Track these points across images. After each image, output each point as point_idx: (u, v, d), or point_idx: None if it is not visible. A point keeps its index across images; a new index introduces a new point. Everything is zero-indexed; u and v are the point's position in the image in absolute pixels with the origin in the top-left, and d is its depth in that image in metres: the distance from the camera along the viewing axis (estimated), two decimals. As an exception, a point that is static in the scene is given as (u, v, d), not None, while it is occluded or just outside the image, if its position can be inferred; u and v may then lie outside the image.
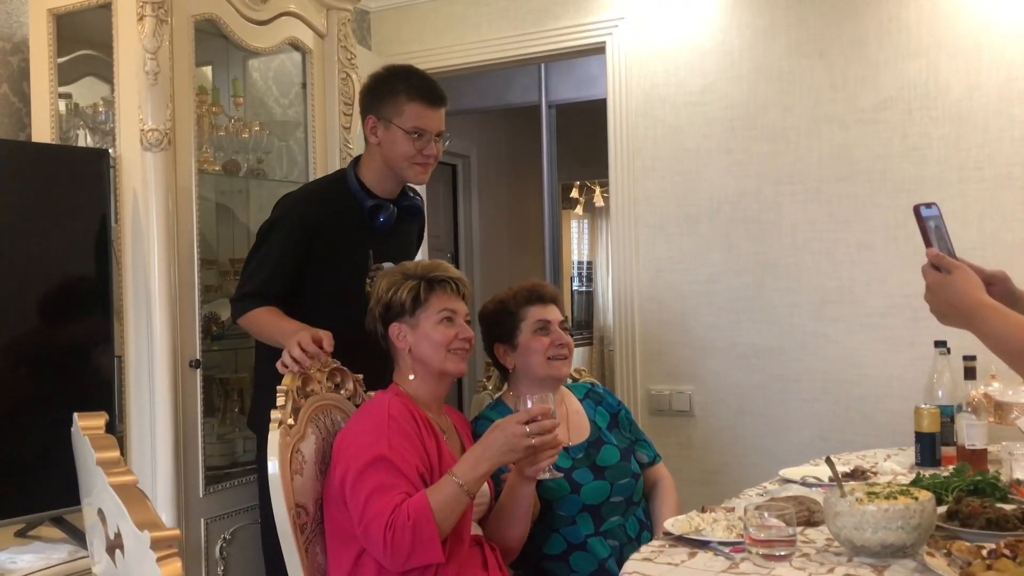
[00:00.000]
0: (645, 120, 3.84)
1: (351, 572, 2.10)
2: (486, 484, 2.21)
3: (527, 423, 2.05)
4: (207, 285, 2.88)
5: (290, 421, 2.19)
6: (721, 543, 1.90)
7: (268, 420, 2.17)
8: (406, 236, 2.74)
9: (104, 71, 2.77)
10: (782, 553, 1.77)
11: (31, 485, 2.34)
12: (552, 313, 2.52)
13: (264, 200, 3.34)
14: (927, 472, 2.40)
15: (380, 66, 2.64)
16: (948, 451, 2.60)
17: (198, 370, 2.62)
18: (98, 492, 1.25)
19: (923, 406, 2.62)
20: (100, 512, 1.27)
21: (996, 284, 1.77)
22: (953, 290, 1.68)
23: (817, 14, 3.54)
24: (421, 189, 2.84)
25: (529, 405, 2.07)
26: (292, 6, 3.04)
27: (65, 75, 2.83)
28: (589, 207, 8.49)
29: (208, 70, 3.25)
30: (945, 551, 1.70)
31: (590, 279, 8.62)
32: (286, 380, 2.23)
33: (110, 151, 2.61)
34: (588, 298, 8.59)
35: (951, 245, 1.77)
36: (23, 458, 2.34)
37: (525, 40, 4.05)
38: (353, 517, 2.04)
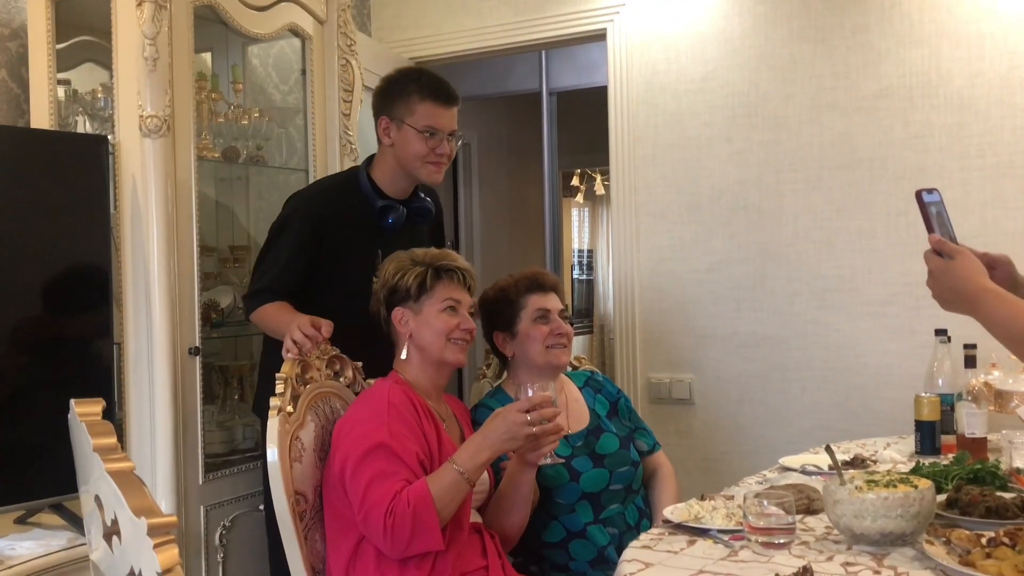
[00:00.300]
0: (646, 108, 3.83)
1: (350, 559, 2.10)
2: (485, 472, 2.21)
3: (528, 411, 2.05)
4: (206, 272, 2.88)
5: (289, 409, 2.19)
6: (720, 531, 1.90)
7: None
8: (417, 237, 2.73)
9: (103, 57, 2.76)
10: (781, 541, 1.77)
11: (31, 472, 2.34)
12: (552, 302, 2.51)
13: (264, 187, 3.34)
14: (927, 460, 2.40)
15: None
16: (948, 439, 2.60)
17: (197, 357, 2.62)
18: (95, 479, 1.25)
19: (923, 394, 2.62)
20: (97, 499, 1.26)
21: (998, 268, 1.77)
22: (955, 276, 1.68)
23: (819, 1, 3.53)
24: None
25: (530, 393, 2.07)
26: (291, -8, 3.03)
27: (64, 61, 2.82)
28: (590, 195, 8.48)
29: (207, 56, 3.24)
30: (944, 539, 1.70)
31: (590, 267, 8.62)
32: (285, 367, 2.24)
33: (109, 137, 2.60)
34: (588, 286, 8.58)
35: (952, 231, 1.76)
36: (23, 445, 2.34)
37: (526, 26, 4.04)
38: (353, 504, 2.04)
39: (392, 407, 2.12)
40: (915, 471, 2.20)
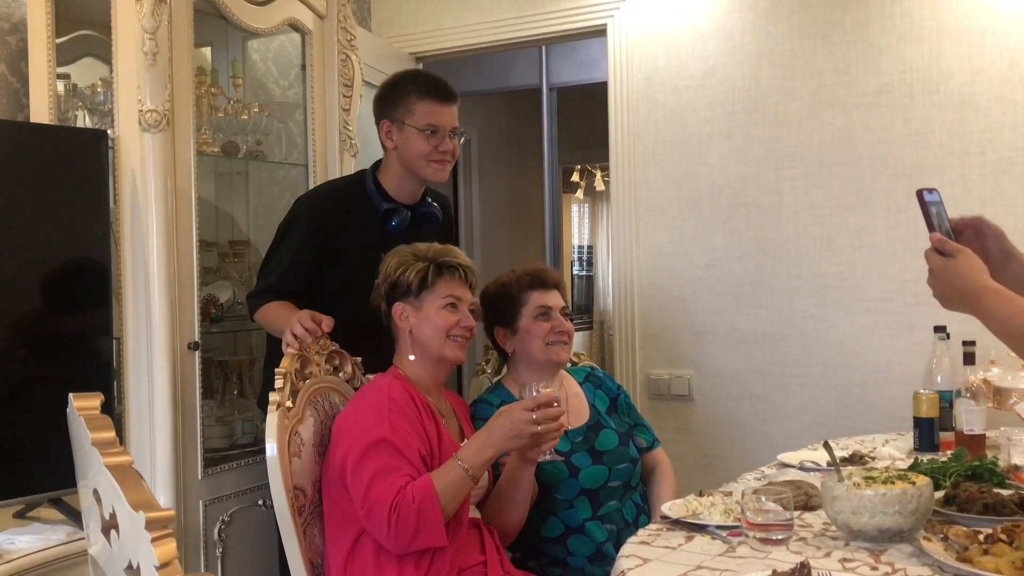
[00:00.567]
0: (646, 104, 3.83)
1: (349, 554, 2.10)
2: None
3: (533, 410, 2.05)
4: (206, 267, 2.88)
5: (288, 404, 2.19)
6: (718, 527, 1.90)
7: None
8: (424, 241, 2.74)
9: (103, 52, 2.75)
10: (779, 537, 1.77)
11: (30, 467, 2.34)
12: (554, 299, 2.51)
13: (263, 182, 3.34)
14: (925, 457, 2.40)
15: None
16: (947, 436, 2.60)
17: (197, 352, 2.62)
18: (94, 473, 1.25)
19: (922, 391, 2.62)
20: (96, 492, 1.27)
21: (990, 238, 1.77)
22: (956, 274, 1.68)
23: (820, -3, 3.53)
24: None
25: (535, 392, 2.07)
26: (291, -14, 3.03)
27: (64, 56, 2.82)
28: (590, 191, 8.47)
29: (207, 51, 3.24)
30: (942, 536, 1.70)
31: (590, 263, 8.62)
32: (284, 362, 2.24)
33: (109, 132, 2.60)
34: (588, 282, 8.59)
35: (951, 231, 1.76)
36: (22, 440, 2.34)
37: (526, 22, 4.04)
38: (355, 499, 2.05)
39: (393, 402, 2.12)
40: (913, 468, 2.20)
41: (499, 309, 2.52)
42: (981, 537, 1.65)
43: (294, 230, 2.58)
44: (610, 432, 2.49)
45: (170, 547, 1.03)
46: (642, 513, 2.49)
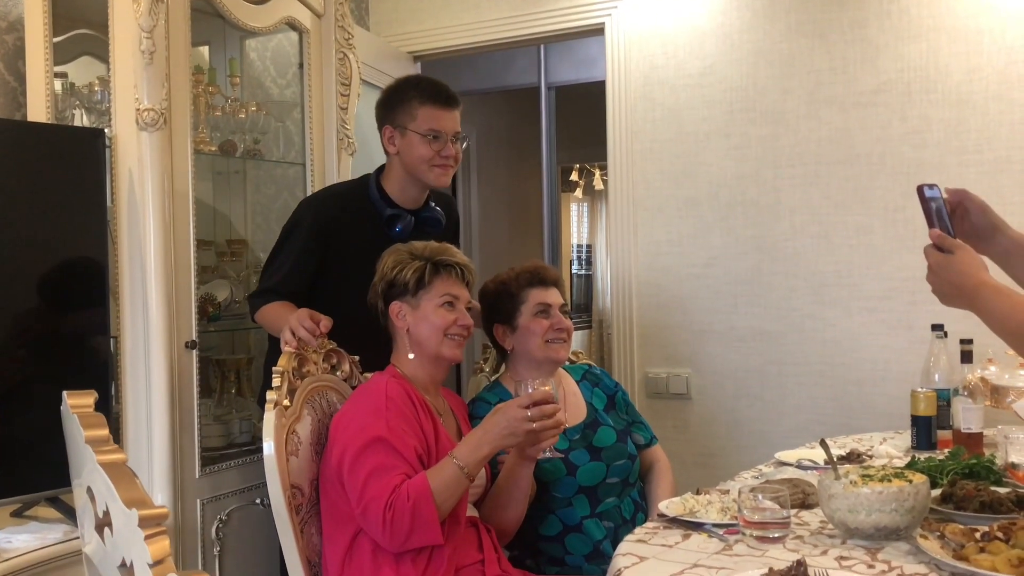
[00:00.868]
0: (644, 103, 3.83)
1: (347, 553, 2.10)
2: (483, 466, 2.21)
3: (528, 407, 2.05)
4: (203, 266, 2.88)
5: (286, 402, 2.20)
6: (715, 525, 1.90)
7: None
8: None
9: (100, 50, 2.75)
10: (776, 535, 1.77)
11: (27, 465, 2.33)
12: (553, 296, 2.51)
13: (261, 181, 3.34)
14: (923, 455, 2.40)
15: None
16: (944, 435, 2.60)
17: (194, 351, 2.62)
18: (88, 471, 1.25)
19: (919, 389, 2.62)
20: (89, 490, 1.27)
21: (974, 213, 1.78)
22: (955, 270, 1.68)
23: (817, -4, 3.53)
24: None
25: (530, 389, 2.07)
26: (288, -15, 3.02)
27: (61, 54, 2.81)
28: (589, 190, 8.47)
29: (205, 50, 3.24)
30: (938, 534, 1.70)
31: (589, 262, 8.62)
32: (282, 361, 2.24)
33: (106, 131, 2.60)
34: (587, 281, 8.58)
35: (950, 227, 1.76)
36: (19, 439, 2.33)
37: (524, 20, 4.04)
38: (351, 498, 2.05)
39: (390, 401, 2.12)
40: (910, 466, 2.21)
41: (498, 306, 2.52)
42: (977, 535, 1.65)
43: (297, 232, 2.59)
44: (608, 429, 2.49)
45: (163, 544, 1.03)
46: (640, 510, 2.49)
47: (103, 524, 1.19)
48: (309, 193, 3.05)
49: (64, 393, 1.33)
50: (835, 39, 3.50)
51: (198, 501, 2.63)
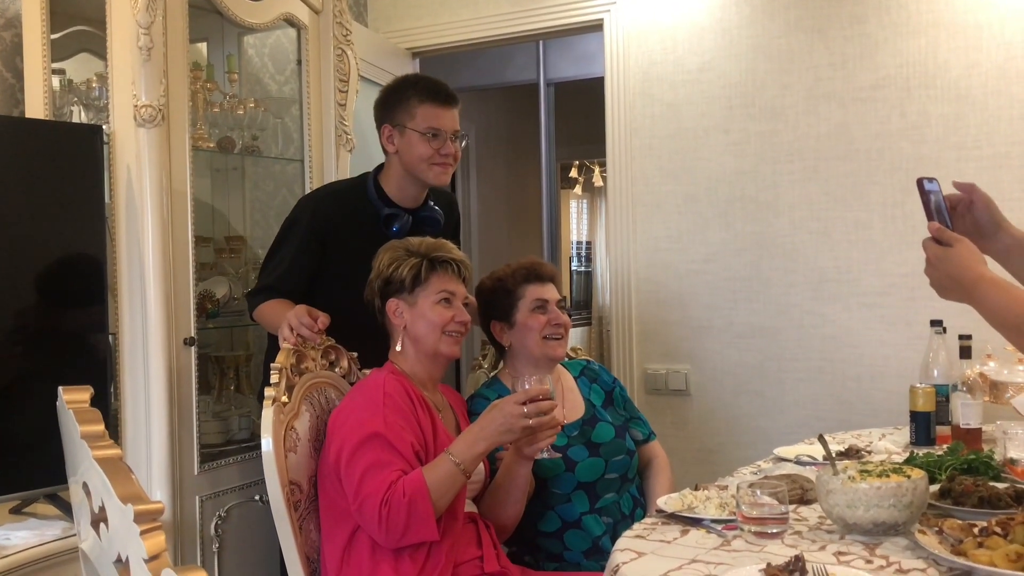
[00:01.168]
0: (643, 99, 3.83)
1: (345, 549, 2.10)
2: (481, 462, 2.21)
3: (525, 404, 2.05)
4: (202, 263, 2.88)
5: (284, 399, 2.19)
6: (714, 521, 1.90)
7: None
8: None
9: (98, 47, 2.75)
10: (774, 531, 1.77)
11: (26, 462, 2.33)
12: (550, 292, 2.51)
13: (259, 177, 3.34)
14: (921, 451, 2.40)
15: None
16: (943, 430, 2.60)
17: (193, 348, 2.62)
18: (84, 468, 1.24)
19: (918, 385, 2.61)
20: (85, 486, 1.26)
21: (978, 203, 1.77)
22: (954, 263, 1.68)
23: (816, -9, 3.53)
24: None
25: (527, 386, 2.07)
26: (286, -19, 3.02)
27: (59, 51, 2.81)
28: (588, 187, 8.47)
29: (203, 46, 3.23)
30: (937, 529, 1.70)
31: (589, 259, 8.62)
32: (280, 357, 2.24)
33: (104, 127, 2.60)
34: (587, 278, 8.58)
35: (949, 220, 1.76)
36: (18, 435, 2.34)
37: (523, 17, 4.03)
38: (348, 494, 2.05)
39: (388, 397, 2.12)
40: (909, 461, 2.20)
41: (495, 303, 2.52)
42: (976, 530, 1.65)
43: (295, 230, 2.59)
44: (606, 425, 2.49)
45: (159, 540, 1.03)
46: (638, 506, 2.50)
47: (99, 520, 1.19)
48: (308, 190, 3.05)
49: (60, 389, 1.33)
50: (834, 35, 3.50)
51: (197, 498, 2.63)
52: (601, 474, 2.41)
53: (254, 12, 2.93)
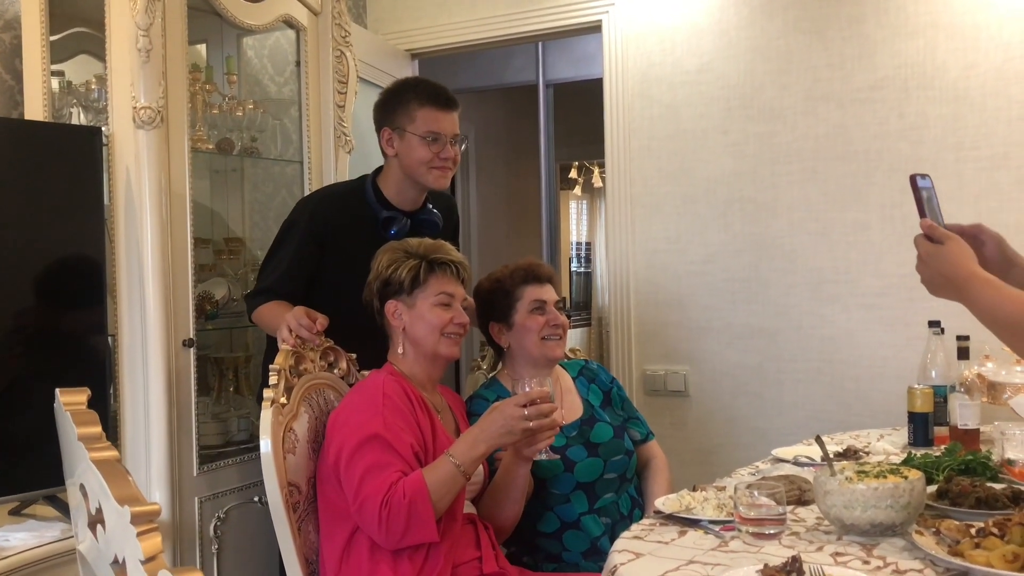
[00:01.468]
0: (641, 100, 3.83)
1: (344, 550, 2.10)
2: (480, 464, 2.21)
3: (525, 406, 2.05)
4: (201, 264, 2.88)
5: (283, 400, 2.20)
6: (711, 522, 1.90)
7: None
8: None
9: (97, 49, 2.75)
10: (772, 531, 1.77)
11: (25, 464, 2.34)
12: (548, 293, 2.51)
13: (258, 179, 3.34)
14: (919, 452, 2.40)
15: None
16: (941, 431, 2.60)
17: (192, 349, 2.62)
18: (81, 469, 1.25)
19: (916, 386, 2.62)
20: (82, 488, 1.27)
21: (988, 244, 1.77)
22: (945, 261, 1.68)
23: (815, -8, 3.53)
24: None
25: (527, 388, 2.07)
26: (285, -17, 3.02)
27: (58, 53, 2.81)
28: (588, 187, 8.47)
29: (202, 48, 3.23)
30: (934, 530, 1.70)
31: (589, 260, 8.62)
32: (278, 359, 2.24)
33: (103, 129, 2.60)
34: (587, 279, 8.59)
35: (941, 218, 1.76)
36: (17, 437, 2.34)
37: (522, 18, 4.04)
38: (348, 495, 2.05)
39: (387, 398, 2.12)
40: (906, 462, 2.21)
41: (493, 305, 2.52)
42: (973, 531, 1.65)
43: (293, 232, 2.59)
44: (604, 425, 2.49)
45: (155, 541, 1.03)
46: (637, 506, 2.50)
47: (96, 521, 1.20)
48: (307, 191, 3.06)
49: (57, 390, 1.33)
50: (832, 35, 3.50)
51: (196, 499, 2.63)
52: (600, 474, 2.42)
53: (253, 14, 2.94)
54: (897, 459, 2.36)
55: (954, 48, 3.32)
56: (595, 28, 3.94)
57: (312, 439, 2.25)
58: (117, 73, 2.56)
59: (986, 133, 3.28)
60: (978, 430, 2.54)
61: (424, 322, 2.25)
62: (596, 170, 8.15)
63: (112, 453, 1.17)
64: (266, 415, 2.14)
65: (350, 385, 2.41)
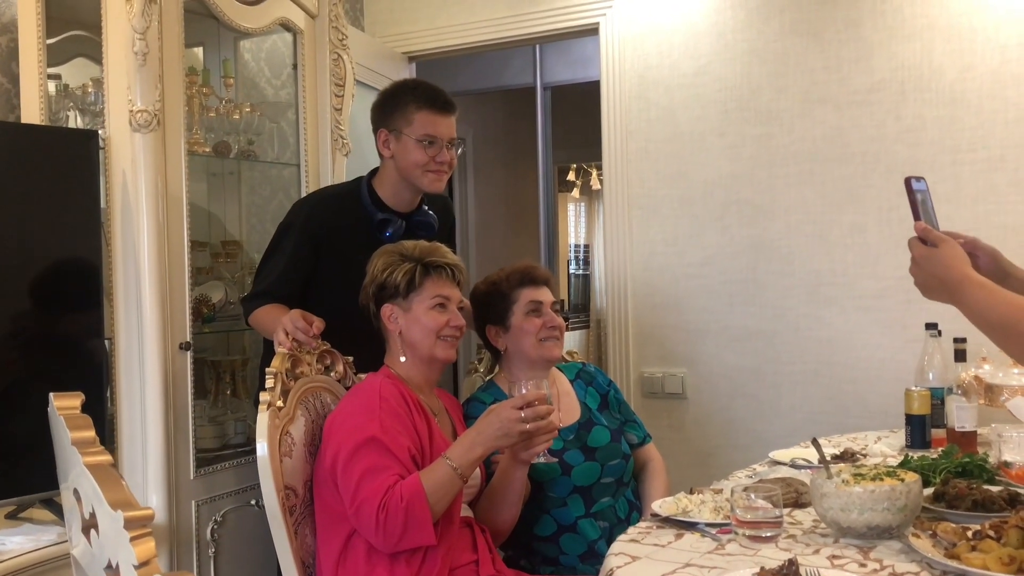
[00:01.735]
0: (639, 102, 3.83)
1: (341, 553, 2.10)
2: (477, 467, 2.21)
3: (522, 408, 2.05)
4: (198, 267, 2.88)
5: (279, 403, 2.19)
6: (708, 524, 1.90)
7: None
8: None
9: (94, 52, 2.75)
10: (768, 534, 1.77)
11: (22, 467, 2.33)
12: (544, 295, 2.51)
13: (255, 182, 3.34)
14: (916, 454, 2.40)
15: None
16: (938, 433, 2.60)
17: (188, 352, 2.62)
18: (75, 474, 1.24)
19: (913, 388, 2.62)
20: (76, 492, 1.26)
21: (982, 255, 1.77)
22: (939, 263, 1.68)
23: (811, -5, 3.53)
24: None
25: (524, 390, 2.07)
26: (282, -15, 3.02)
27: (54, 56, 2.81)
28: (586, 190, 8.47)
29: (199, 51, 3.23)
30: (930, 532, 1.70)
31: (587, 262, 8.62)
32: (275, 362, 2.24)
33: (99, 132, 2.60)
34: (585, 281, 8.59)
35: (936, 221, 1.77)
36: (14, 440, 2.33)
37: (519, 21, 4.04)
38: (345, 498, 2.05)
39: (383, 401, 2.12)
40: (903, 464, 2.20)
41: (490, 307, 2.52)
42: (969, 534, 1.65)
43: (289, 235, 2.59)
44: (601, 429, 2.49)
45: (149, 546, 1.03)
46: (634, 510, 2.50)
47: (89, 526, 1.19)
48: (304, 194, 3.05)
49: (51, 395, 1.33)
50: (829, 38, 3.51)
51: (193, 503, 2.63)
52: (597, 478, 2.42)
53: (249, 17, 2.94)
54: (894, 461, 2.37)
55: (951, 51, 3.32)
56: (592, 31, 3.94)
57: (309, 442, 2.25)
58: (113, 76, 2.56)
59: (983, 135, 3.28)
60: (975, 432, 2.54)
61: (420, 325, 2.25)
62: (594, 172, 8.15)
63: (106, 458, 1.17)
64: (262, 418, 2.14)
65: (347, 388, 2.41)
